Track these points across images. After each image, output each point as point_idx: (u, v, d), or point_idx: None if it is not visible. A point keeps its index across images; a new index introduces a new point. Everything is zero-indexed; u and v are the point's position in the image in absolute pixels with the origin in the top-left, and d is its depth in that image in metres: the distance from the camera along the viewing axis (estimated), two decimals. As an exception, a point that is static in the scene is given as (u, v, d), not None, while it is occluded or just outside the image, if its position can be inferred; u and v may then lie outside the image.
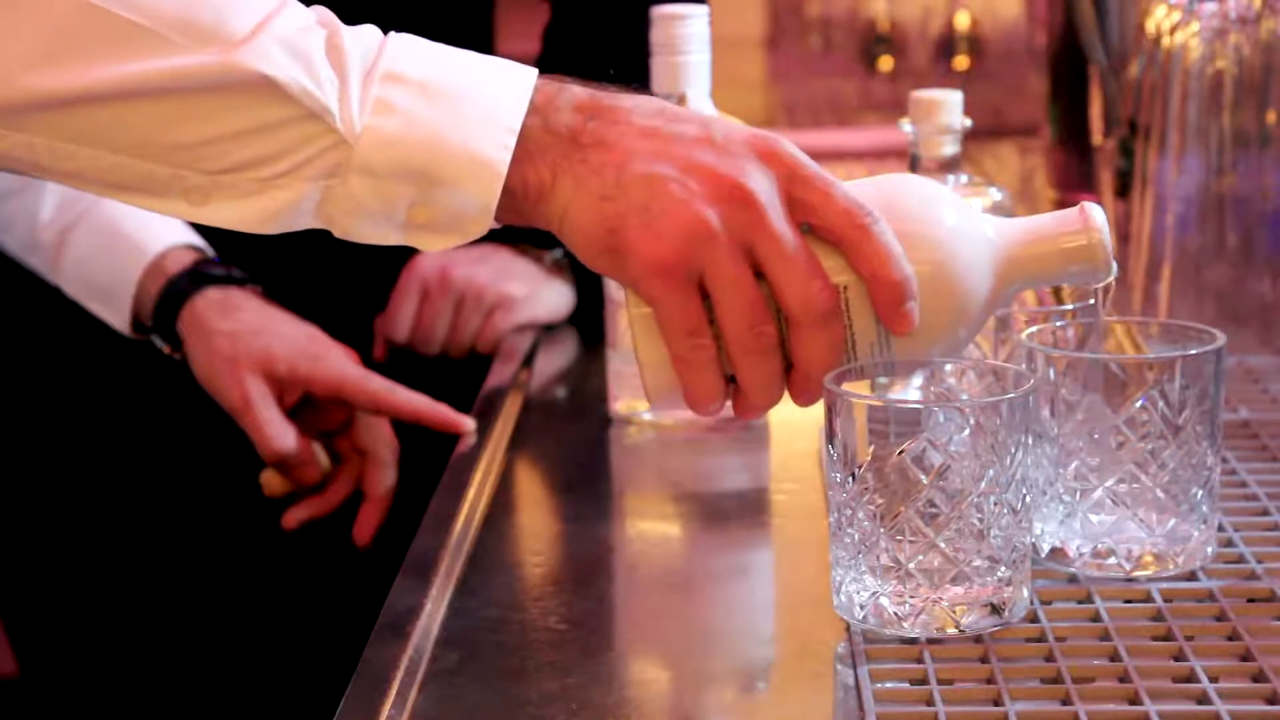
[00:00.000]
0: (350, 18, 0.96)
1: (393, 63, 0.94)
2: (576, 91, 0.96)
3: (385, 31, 0.96)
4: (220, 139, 0.93)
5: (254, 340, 1.41)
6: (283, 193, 0.94)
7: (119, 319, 1.46)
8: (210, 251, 1.47)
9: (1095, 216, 0.97)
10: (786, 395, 0.97)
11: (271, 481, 1.47)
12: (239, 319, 1.42)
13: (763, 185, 0.94)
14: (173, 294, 1.44)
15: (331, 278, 1.51)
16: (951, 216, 0.96)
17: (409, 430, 1.55)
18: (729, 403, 0.97)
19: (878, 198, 0.96)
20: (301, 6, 0.95)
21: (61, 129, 0.92)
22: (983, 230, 0.96)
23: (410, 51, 0.95)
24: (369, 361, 1.54)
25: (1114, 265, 0.97)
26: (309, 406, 1.45)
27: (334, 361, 1.43)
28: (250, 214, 0.94)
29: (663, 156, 0.94)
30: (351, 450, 1.47)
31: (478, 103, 0.94)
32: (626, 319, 0.97)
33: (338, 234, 0.96)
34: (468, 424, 1.36)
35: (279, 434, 1.42)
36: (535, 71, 0.96)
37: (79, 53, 0.91)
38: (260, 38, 0.92)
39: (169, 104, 0.92)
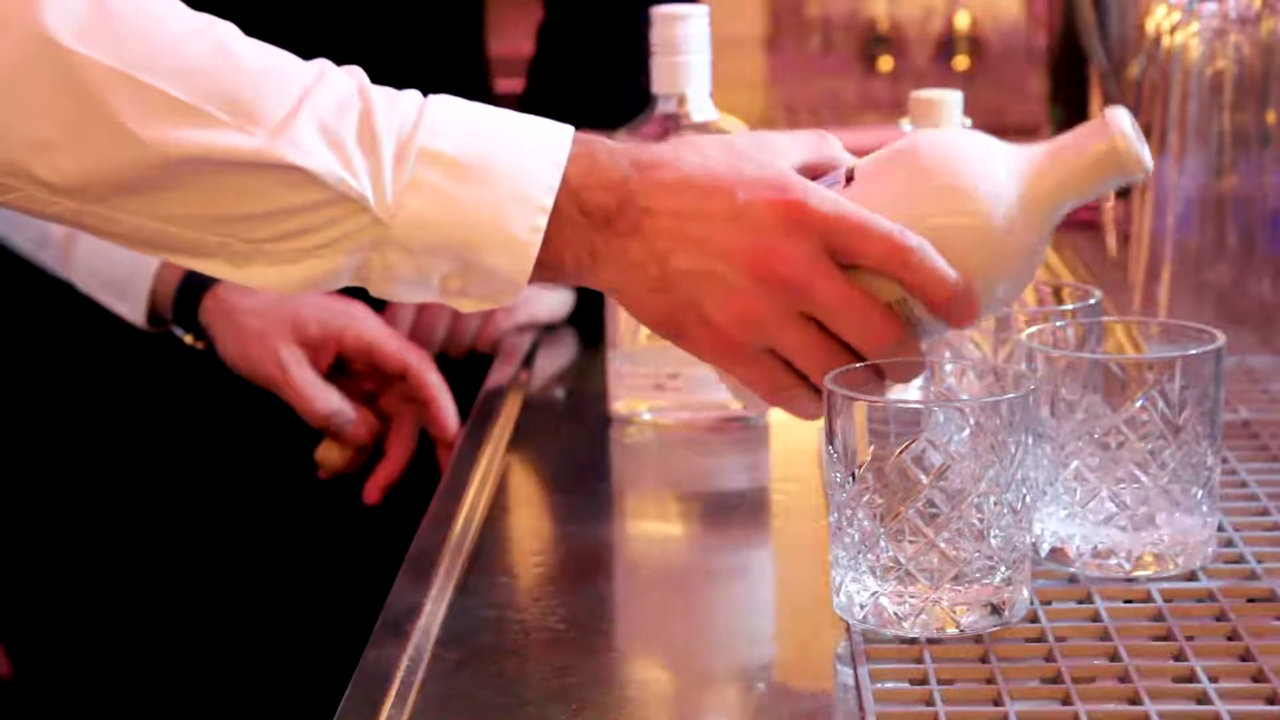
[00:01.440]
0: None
1: (428, 138, 0.96)
2: (608, 165, 0.98)
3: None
4: (261, 215, 0.95)
5: (280, 309, 1.43)
6: (321, 263, 0.96)
7: (134, 312, 1.46)
8: None
9: (1116, 121, 0.96)
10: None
11: (330, 455, 1.47)
12: (262, 295, 1.43)
13: (801, 257, 0.96)
14: (193, 283, 1.44)
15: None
16: (989, 163, 0.97)
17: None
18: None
19: (915, 159, 0.98)
20: (339, 74, 0.96)
21: (106, 200, 0.94)
22: (1016, 166, 0.98)
23: (446, 122, 0.96)
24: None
25: (1147, 161, 0.97)
26: (341, 374, 1.46)
27: (363, 318, 1.45)
28: (288, 280, 0.97)
29: (700, 249, 0.97)
30: (400, 404, 1.48)
31: (510, 180, 0.96)
32: None
33: (374, 294, 0.99)
34: (452, 431, 1.39)
35: (321, 396, 1.43)
36: (570, 136, 0.98)
37: (123, 129, 0.92)
38: (297, 123, 0.94)
39: (211, 180, 0.94)
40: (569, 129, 0.98)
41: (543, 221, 0.96)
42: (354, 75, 0.97)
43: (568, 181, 0.97)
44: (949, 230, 0.97)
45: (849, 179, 1.00)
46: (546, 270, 0.97)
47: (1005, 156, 0.98)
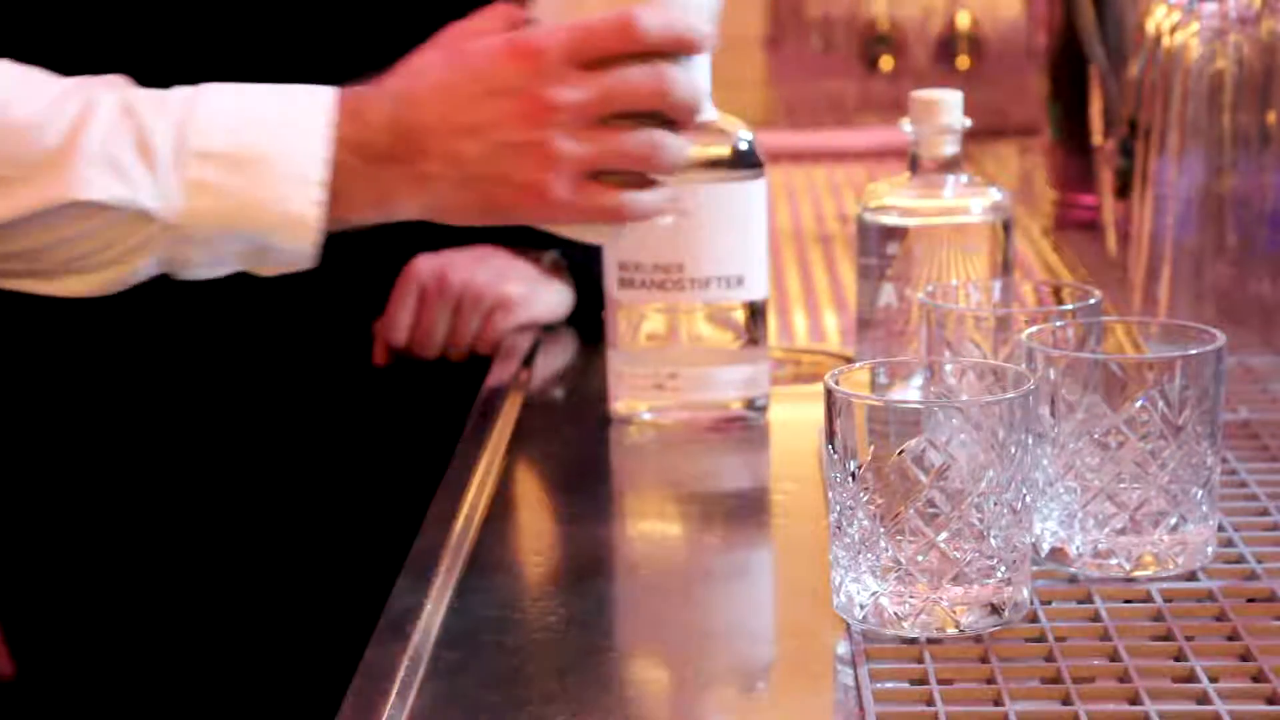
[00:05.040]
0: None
1: (200, 138, 1.02)
2: (373, 108, 1.05)
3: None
4: (57, 244, 1.03)
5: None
6: (123, 267, 1.05)
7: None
8: None
9: None
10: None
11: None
12: None
13: (561, 85, 1.04)
14: None
15: (330, 283, 1.51)
16: None
17: (410, 427, 1.55)
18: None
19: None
20: (106, 96, 1.03)
21: None
22: None
23: (215, 116, 1.03)
24: (369, 366, 1.54)
25: None
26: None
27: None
28: (96, 285, 1.06)
29: (480, 132, 1.04)
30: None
31: (283, 162, 1.03)
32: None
33: (181, 277, 1.07)
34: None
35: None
36: (333, 97, 1.04)
37: None
38: (74, 160, 1.01)
39: (5, 234, 1.03)
40: (331, 90, 1.05)
41: (320, 194, 1.02)
42: (116, 89, 1.03)
43: (343, 140, 1.03)
44: None
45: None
46: (344, 222, 1.04)
47: None
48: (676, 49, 1.07)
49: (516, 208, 1.05)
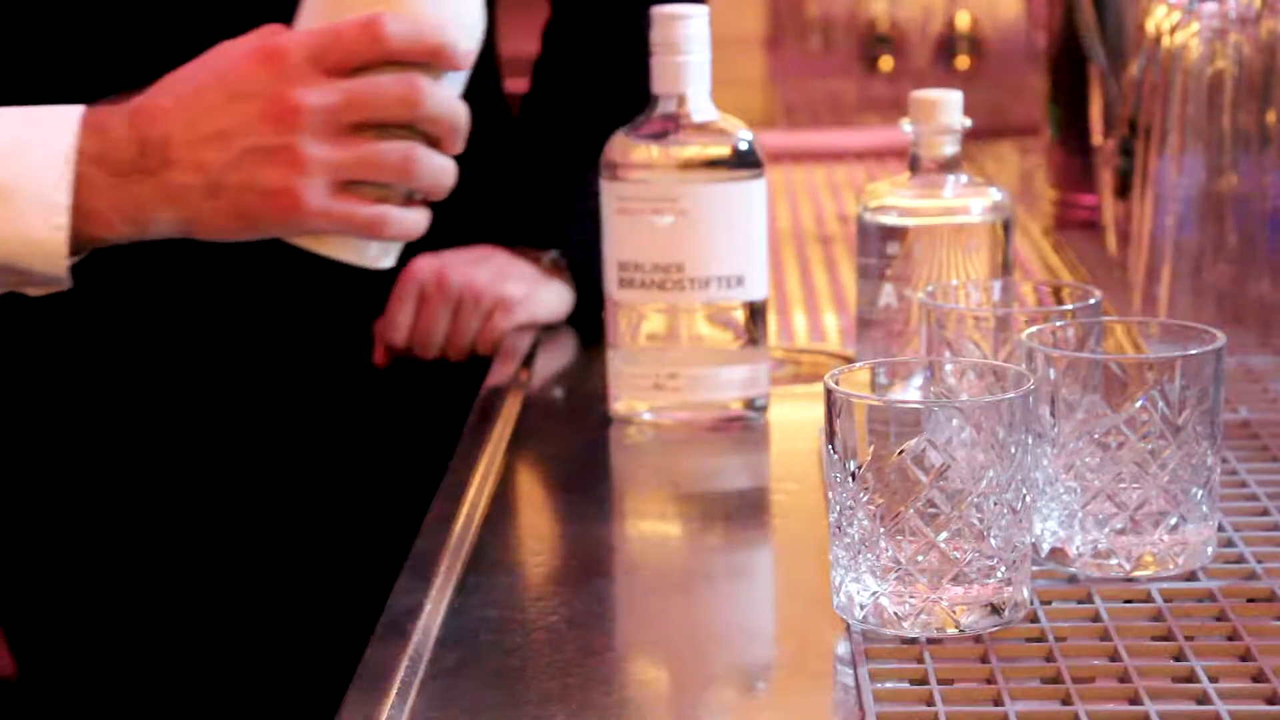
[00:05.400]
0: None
1: None
2: (117, 124, 1.03)
3: None
4: None
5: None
6: None
7: None
8: None
9: None
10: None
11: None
12: None
13: (306, 87, 1.03)
14: None
15: (330, 283, 1.51)
16: None
17: (409, 427, 1.55)
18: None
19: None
20: None
21: None
22: None
23: None
24: (369, 366, 1.54)
25: None
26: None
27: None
28: None
29: (225, 138, 1.03)
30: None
31: (22, 187, 1.01)
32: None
33: None
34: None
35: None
36: (77, 116, 1.03)
37: None
38: None
39: None
40: (77, 108, 1.04)
41: (64, 218, 1.01)
42: None
43: (87, 155, 1.02)
44: None
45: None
46: (100, 241, 1.03)
47: None
48: (425, 58, 1.05)
49: (269, 216, 1.04)
